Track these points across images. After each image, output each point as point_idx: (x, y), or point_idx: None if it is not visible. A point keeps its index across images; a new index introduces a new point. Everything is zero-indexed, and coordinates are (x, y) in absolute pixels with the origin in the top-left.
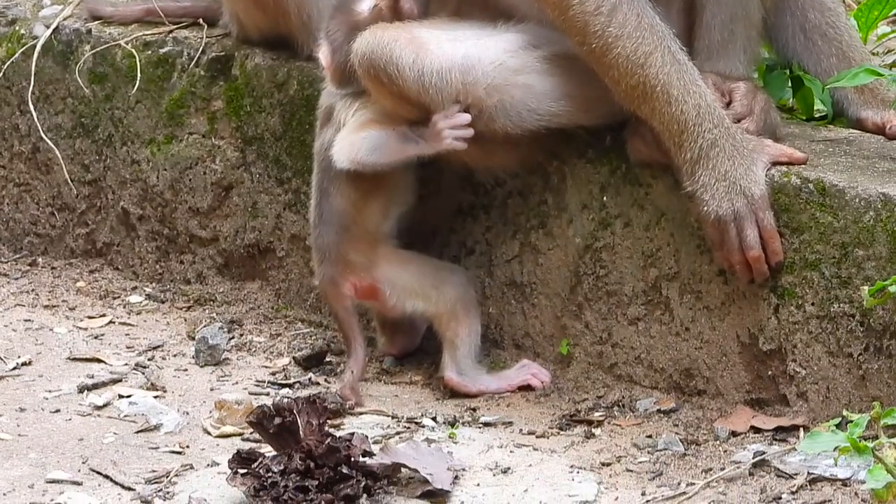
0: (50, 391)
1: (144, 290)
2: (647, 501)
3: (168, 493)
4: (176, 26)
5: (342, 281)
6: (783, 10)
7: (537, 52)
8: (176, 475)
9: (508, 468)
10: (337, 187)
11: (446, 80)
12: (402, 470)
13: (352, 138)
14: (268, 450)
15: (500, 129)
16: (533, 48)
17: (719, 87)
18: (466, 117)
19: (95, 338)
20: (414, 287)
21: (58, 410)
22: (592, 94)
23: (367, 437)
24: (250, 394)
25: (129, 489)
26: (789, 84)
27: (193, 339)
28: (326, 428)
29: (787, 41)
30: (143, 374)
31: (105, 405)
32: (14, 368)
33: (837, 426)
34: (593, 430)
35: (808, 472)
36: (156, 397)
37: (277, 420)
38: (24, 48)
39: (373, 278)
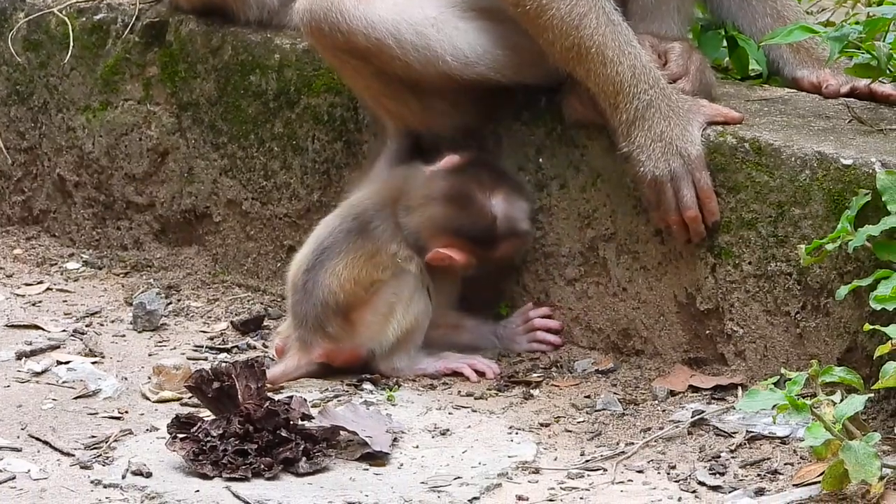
0: None
1: (81, 257)
2: (587, 461)
3: (107, 458)
4: None
5: (315, 347)
6: None
7: (482, 3)
8: (115, 440)
9: (447, 430)
10: (333, 269)
11: (393, 20)
12: (341, 433)
13: None
14: (206, 414)
15: (445, 71)
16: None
17: (655, 48)
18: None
19: (33, 304)
20: (388, 325)
21: None
22: (537, 49)
23: (305, 400)
24: (188, 359)
25: (69, 455)
26: (724, 44)
27: (131, 304)
28: (265, 392)
29: (721, 1)
30: (81, 340)
31: (43, 371)
32: None
33: (775, 384)
34: (531, 391)
35: (747, 431)
36: (94, 363)
37: (216, 384)
38: None
39: (353, 346)
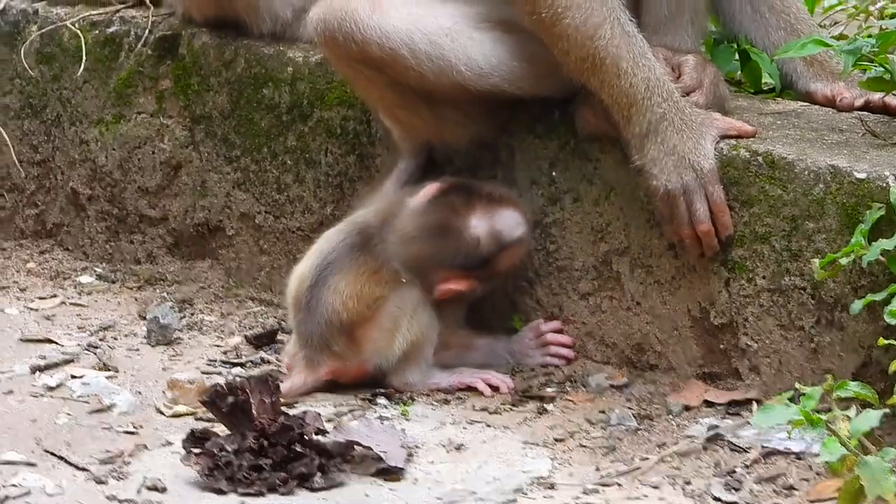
0: (2, 372)
1: (95, 271)
2: (601, 477)
3: (122, 473)
4: (122, 6)
5: (321, 366)
6: None
7: (496, 15)
8: (130, 455)
9: (462, 445)
10: (336, 286)
11: (407, 30)
12: (356, 448)
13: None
14: (221, 429)
15: (459, 81)
16: (491, 12)
17: (669, 61)
18: (568, 339)
19: (47, 318)
20: (394, 339)
21: (10, 392)
22: (551, 60)
23: (320, 415)
24: (202, 373)
25: (84, 470)
26: (736, 57)
27: (145, 318)
28: (279, 406)
29: (734, 14)
30: (95, 354)
31: (57, 386)
32: None
33: (790, 399)
34: (546, 406)
35: (762, 446)
36: (108, 378)
37: (230, 399)
38: None
39: (360, 362)
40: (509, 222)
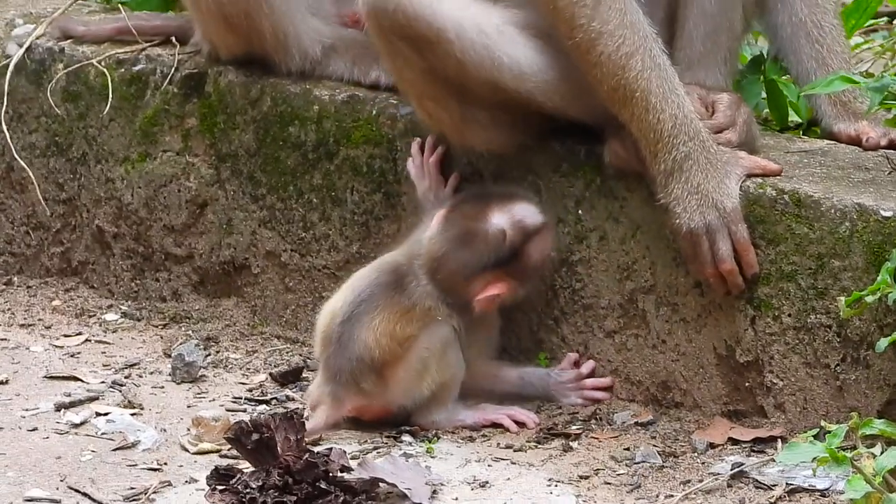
0: (27, 410)
1: (120, 308)
2: None
3: None
4: (148, 44)
5: (346, 402)
6: None
7: (543, 27)
8: (154, 492)
9: (486, 482)
10: (370, 323)
11: (458, 15)
12: (381, 485)
13: None
14: (246, 466)
15: (497, 78)
16: (539, 23)
17: (703, 100)
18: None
19: (72, 356)
20: (422, 381)
21: (35, 429)
22: (585, 84)
23: (345, 452)
24: (227, 410)
25: None
26: (763, 95)
27: (170, 356)
28: (304, 443)
29: (776, 28)
30: (120, 391)
31: (82, 423)
32: None
33: (815, 437)
34: (571, 443)
35: (787, 483)
36: (133, 415)
37: (255, 436)
38: None
39: (385, 402)
40: (528, 211)
